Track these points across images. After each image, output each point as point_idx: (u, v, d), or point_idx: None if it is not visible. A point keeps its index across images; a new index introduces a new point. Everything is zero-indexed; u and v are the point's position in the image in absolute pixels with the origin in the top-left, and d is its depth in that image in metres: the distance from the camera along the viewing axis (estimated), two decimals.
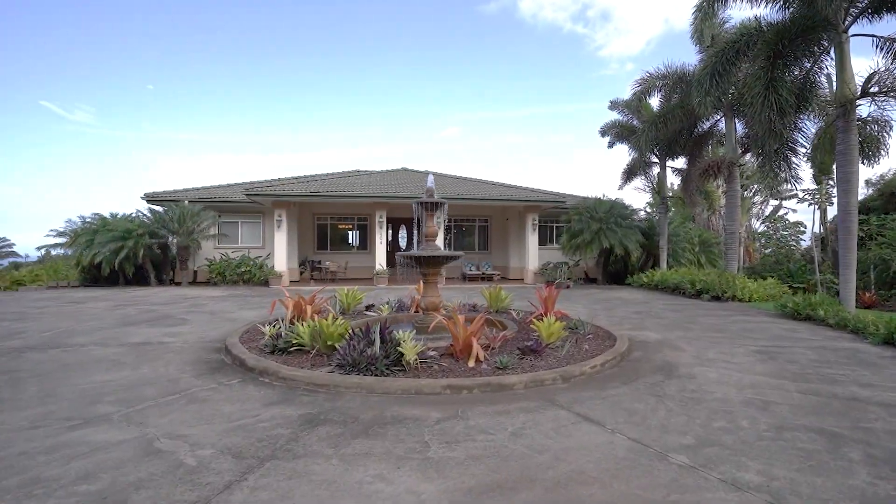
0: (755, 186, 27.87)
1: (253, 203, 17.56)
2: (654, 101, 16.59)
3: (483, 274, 19.14)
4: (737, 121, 14.08)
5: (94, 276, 16.10)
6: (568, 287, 16.17)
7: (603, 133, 17.95)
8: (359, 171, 22.94)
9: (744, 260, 24.20)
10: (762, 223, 28.71)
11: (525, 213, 18.42)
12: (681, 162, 18.03)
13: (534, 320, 6.25)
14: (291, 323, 6.78)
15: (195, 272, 17.72)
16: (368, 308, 9.50)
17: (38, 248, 16.20)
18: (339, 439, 3.33)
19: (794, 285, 14.79)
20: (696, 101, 11.52)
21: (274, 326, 6.32)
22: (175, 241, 16.31)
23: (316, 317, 7.00)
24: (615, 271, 18.70)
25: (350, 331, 5.42)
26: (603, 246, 16.31)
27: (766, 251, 25.90)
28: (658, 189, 18.12)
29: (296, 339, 5.61)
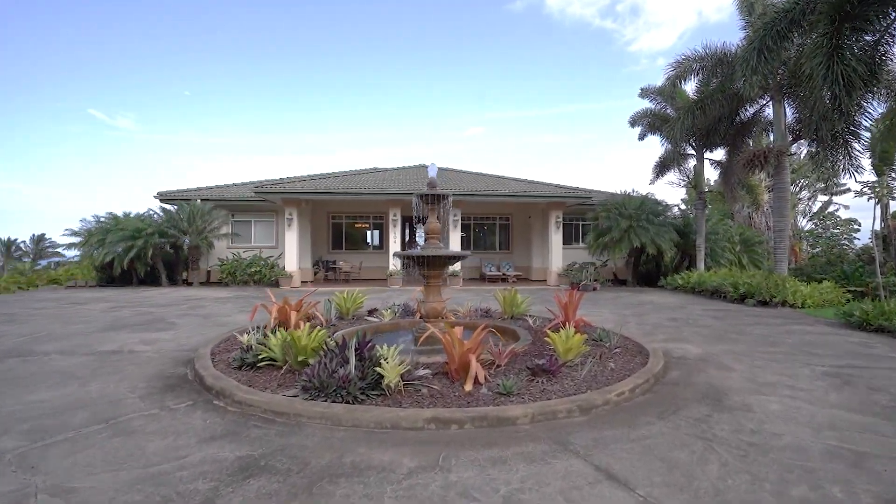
0: (802, 181, 25.80)
1: (265, 202, 17.09)
2: (690, 88, 15.16)
3: (503, 275, 18.12)
4: (786, 105, 12.60)
5: (110, 276, 15.95)
6: (595, 289, 14.98)
7: (633, 123, 16.62)
8: (376, 169, 22.27)
9: (789, 261, 22.31)
10: (810, 221, 26.57)
11: (548, 210, 17.28)
12: (720, 153, 16.56)
13: (548, 332, 5.27)
14: (272, 332, 6.04)
15: (208, 272, 17.41)
16: (371, 313, 8.70)
17: (52, 248, 16.15)
18: (269, 502, 2.48)
19: (851, 289, 13.18)
20: (741, 80, 10.22)
21: (257, 334, 5.56)
22: (186, 240, 15.97)
23: (302, 324, 6.24)
24: (647, 272, 17.35)
25: (324, 345, 4.58)
26: (633, 245, 15.04)
27: (815, 251, 23.88)
28: (694, 183, 16.67)
29: (266, 352, 4.82)
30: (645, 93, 16.30)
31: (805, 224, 26.69)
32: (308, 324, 5.45)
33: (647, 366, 5.04)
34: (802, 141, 13.68)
